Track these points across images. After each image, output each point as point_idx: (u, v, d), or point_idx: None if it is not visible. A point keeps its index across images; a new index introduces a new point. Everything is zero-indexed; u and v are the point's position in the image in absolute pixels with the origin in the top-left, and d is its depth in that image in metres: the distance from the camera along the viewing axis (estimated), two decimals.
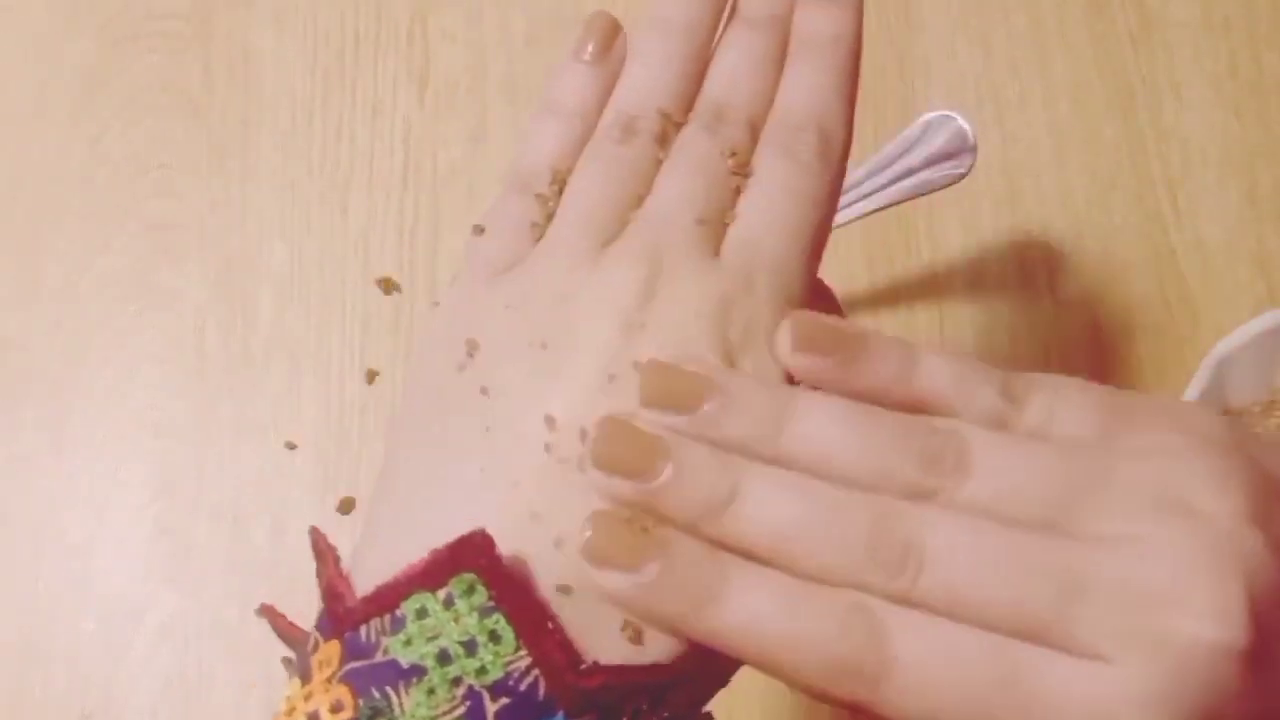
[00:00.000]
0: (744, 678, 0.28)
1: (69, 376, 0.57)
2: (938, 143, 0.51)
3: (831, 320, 0.28)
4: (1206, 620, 0.23)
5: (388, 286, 0.57)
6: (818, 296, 0.30)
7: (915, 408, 0.26)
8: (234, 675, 0.52)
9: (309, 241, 0.58)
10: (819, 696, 0.25)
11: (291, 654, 0.28)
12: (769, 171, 0.30)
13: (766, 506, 0.25)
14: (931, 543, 0.24)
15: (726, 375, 0.26)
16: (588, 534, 0.25)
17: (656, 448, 0.25)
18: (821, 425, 0.26)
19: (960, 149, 0.51)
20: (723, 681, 0.27)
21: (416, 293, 0.57)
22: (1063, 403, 0.27)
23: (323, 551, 0.27)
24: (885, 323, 0.55)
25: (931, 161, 0.51)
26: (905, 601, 0.24)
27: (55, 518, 0.55)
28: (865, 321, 0.30)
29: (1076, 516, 0.25)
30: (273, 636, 0.54)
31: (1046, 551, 0.24)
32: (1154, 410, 0.26)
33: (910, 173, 0.51)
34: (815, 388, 0.27)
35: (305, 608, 0.28)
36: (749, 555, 0.25)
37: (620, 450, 0.25)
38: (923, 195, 0.51)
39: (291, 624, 0.28)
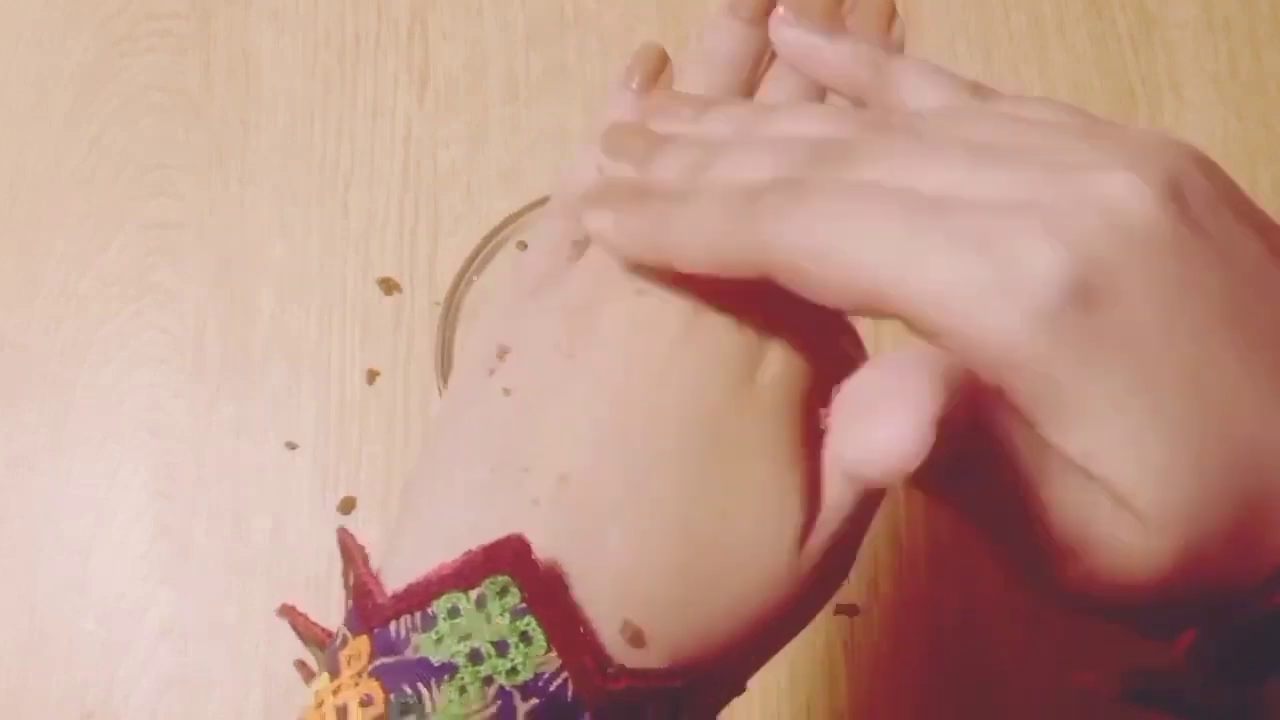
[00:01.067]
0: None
1: (69, 376, 0.57)
2: None
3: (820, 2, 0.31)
4: (1126, 173, 0.22)
5: (388, 287, 0.57)
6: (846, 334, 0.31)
7: (888, 99, 0.29)
8: (233, 675, 0.52)
9: (309, 241, 0.58)
10: (722, 255, 0.25)
11: (305, 656, 0.28)
12: None
13: (733, 161, 0.27)
14: (863, 151, 0.25)
15: (715, 98, 0.30)
16: (587, 186, 0.28)
17: (652, 135, 0.29)
18: (794, 116, 0.28)
19: None
20: (738, 689, 0.28)
21: (416, 293, 0.57)
22: (1029, 101, 0.27)
23: (351, 550, 0.27)
24: (885, 325, 0.55)
25: None
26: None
27: (55, 518, 0.55)
28: (864, 327, 0.30)
29: (1009, 144, 0.24)
30: (272, 636, 0.54)
31: (979, 149, 0.24)
32: (1118, 125, 0.26)
33: None
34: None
35: (305, 607, 0.28)
36: None
37: (624, 135, 0.29)
38: None
39: (312, 623, 0.28)
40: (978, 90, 0.28)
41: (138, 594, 0.54)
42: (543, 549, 0.25)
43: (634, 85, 0.32)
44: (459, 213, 0.58)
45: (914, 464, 0.20)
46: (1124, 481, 0.22)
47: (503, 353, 0.28)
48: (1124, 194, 0.22)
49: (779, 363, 0.27)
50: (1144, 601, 0.23)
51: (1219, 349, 0.22)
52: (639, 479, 0.26)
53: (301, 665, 0.28)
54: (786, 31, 0.30)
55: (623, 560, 0.25)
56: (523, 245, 0.32)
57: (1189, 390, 0.22)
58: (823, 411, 0.28)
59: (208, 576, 0.54)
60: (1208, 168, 0.24)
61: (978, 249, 0.22)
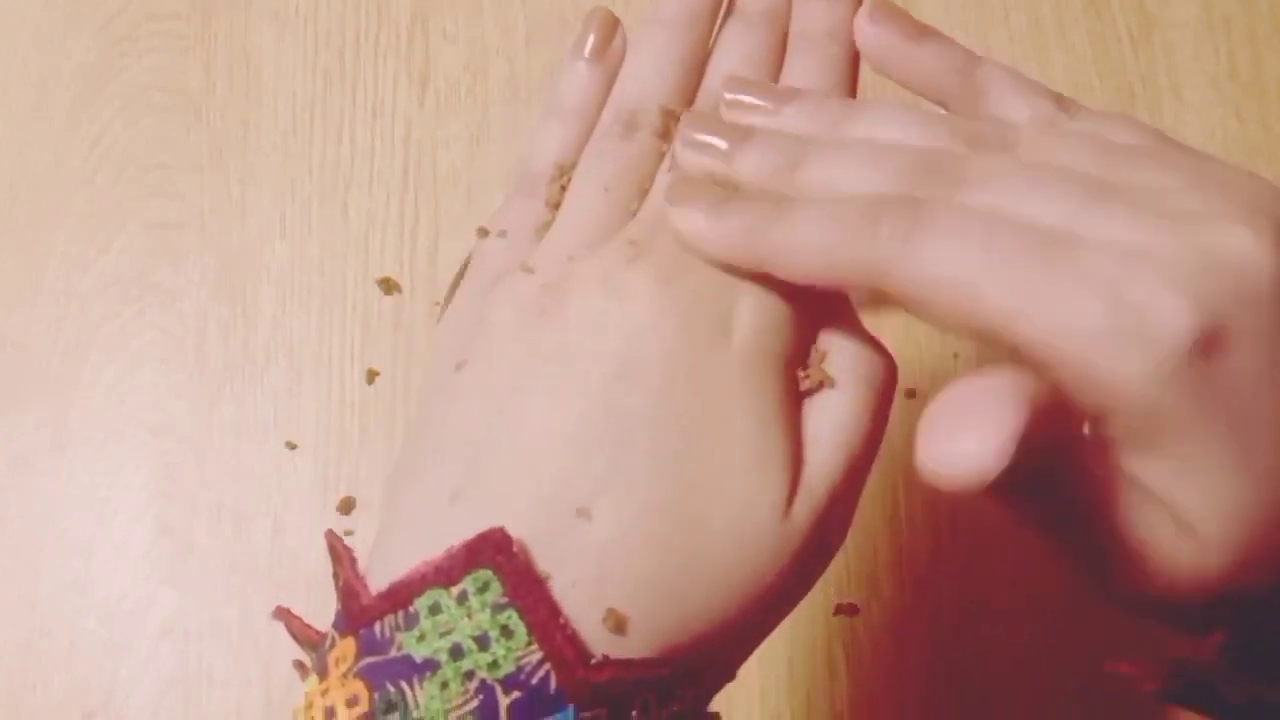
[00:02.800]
0: (746, 674, 0.28)
1: (69, 376, 0.57)
2: None
3: (905, 10, 0.30)
4: (1243, 228, 0.23)
5: (388, 287, 0.57)
6: None
7: (973, 104, 0.29)
8: (234, 675, 0.52)
9: (309, 241, 0.58)
10: (835, 273, 0.26)
11: (304, 657, 0.28)
12: None
13: (829, 164, 0.27)
14: (971, 171, 0.25)
15: (798, 89, 0.29)
16: (671, 181, 0.27)
17: (738, 127, 0.28)
18: (880, 118, 0.28)
19: None
20: (729, 676, 0.28)
21: (416, 293, 0.57)
22: (1114, 120, 0.27)
23: (339, 553, 0.27)
24: (885, 324, 0.55)
25: None
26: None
27: (55, 518, 0.55)
28: (866, 321, 0.30)
29: (1122, 176, 0.25)
30: (273, 636, 0.54)
31: (1088, 180, 0.25)
32: (1203, 155, 0.27)
33: None
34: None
35: (305, 607, 0.28)
36: None
37: (703, 126, 0.28)
38: None
39: (306, 625, 0.28)
40: (1061, 102, 0.28)
41: (139, 594, 0.54)
42: (522, 540, 0.25)
43: (586, 53, 0.32)
44: (459, 213, 0.58)
45: (990, 476, 0.21)
46: (1194, 512, 0.24)
47: (470, 350, 0.28)
48: (1244, 249, 0.23)
49: (750, 325, 0.27)
50: (1189, 603, 0.25)
51: None
52: (615, 455, 0.26)
53: (300, 665, 0.28)
54: (870, 29, 0.30)
55: (603, 544, 0.25)
56: (484, 232, 0.31)
57: (1274, 439, 0.24)
58: (801, 374, 0.28)
59: (209, 576, 0.54)
60: None
61: (1105, 295, 0.23)
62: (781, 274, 0.26)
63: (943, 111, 0.29)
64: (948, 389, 0.22)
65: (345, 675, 0.25)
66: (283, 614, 0.29)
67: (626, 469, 0.26)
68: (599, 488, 0.25)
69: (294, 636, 0.28)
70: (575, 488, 0.26)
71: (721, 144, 0.28)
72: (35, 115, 0.61)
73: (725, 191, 0.27)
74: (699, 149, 0.28)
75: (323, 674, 0.25)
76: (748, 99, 0.29)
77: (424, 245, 0.58)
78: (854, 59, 0.32)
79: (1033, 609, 0.52)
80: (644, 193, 0.30)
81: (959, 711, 0.52)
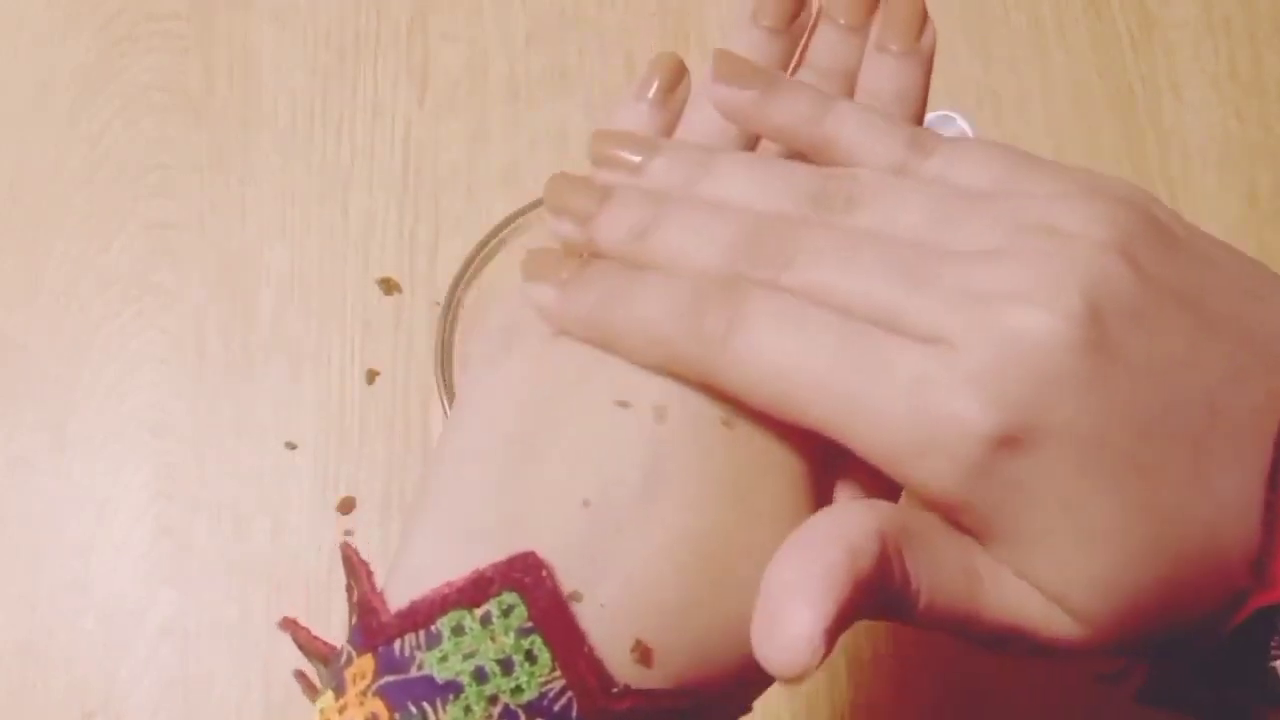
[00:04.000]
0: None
1: (69, 376, 0.57)
2: None
3: (751, 60, 0.30)
4: (1040, 311, 0.23)
5: (388, 287, 0.57)
6: None
7: (825, 151, 0.28)
8: (234, 675, 0.52)
9: (309, 241, 0.58)
10: (673, 367, 0.26)
11: (306, 668, 0.28)
12: None
13: (677, 227, 0.27)
14: (804, 246, 0.26)
15: (658, 139, 0.30)
16: (525, 257, 0.28)
17: (594, 189, 0.28)
18: (733, 172, 0.28)
19: None
20: (745, 709, 0.28)
21: (416, 293, 0.57)
22: (966, 155, 0.28)
23: (355, 566, 0.27)
24: None
25: None
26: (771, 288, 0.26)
27: (55, 518, 0.55)
28: None
29: (948, 237, 0.26)
30: (273, 636, 0.54)
31: (907, 256, 0.25)
32: (1060, 168, 0.27)
33: None
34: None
35: (305, 607, 0.28)
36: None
37: (566, 192, 0.28)
38: None
39: (314, 637, 0.28)
40: (914, 143, 0.28)
41: (139, 594, 0.54)
42: (553, 560, 0.25)
43: (650, 96, 0.31)
44: (459, 213, 0.58)
45: (809, 670, 0.22)
46: (1053, 590, 0.25)
47: (509, 344, 0.28)
48: (1041, 336, 0.23)
49: None
50: (1087, 658, 0.26)
51: (1138, 459, 0.24)
52: (653, 488, 0.26)
53: (301, 675, 0.28)
54: (720, 90, 0.29)
55: (636, 574, 0.25)
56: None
57: (1110, 506, 0.24)
58: None
59: (208, 576, 0.54)
60: (1144, 228, 0.25)
61: (907, 404, 0.24)
62: (627, 358, 0.27)
63: (796, 163, 0.29)
64: (772, 564, 0.24)
65: (364, 693, 0.24)
66: (290, 625, 0.28)
67: (660, 506, 0.26)
68: (635, 516, 0.25)
69: (301, 648, 0.28)
70: (614, 512, 0.25)
71: (582, 208, 0.28)
72: (35, 115, 0.61)
73: (573, 260, 0.28)
74: (559, 212, 0.28)
75: (339, 690, 0.25)
76: (615, 153, 0.29)
77: (424, 245, 0.58)
78: (919, 121, 0.32)
79: None
80: None
81: (958, 711, 0.52)
